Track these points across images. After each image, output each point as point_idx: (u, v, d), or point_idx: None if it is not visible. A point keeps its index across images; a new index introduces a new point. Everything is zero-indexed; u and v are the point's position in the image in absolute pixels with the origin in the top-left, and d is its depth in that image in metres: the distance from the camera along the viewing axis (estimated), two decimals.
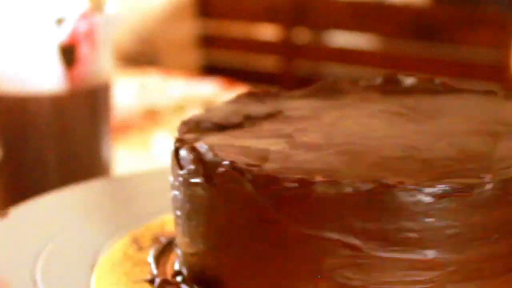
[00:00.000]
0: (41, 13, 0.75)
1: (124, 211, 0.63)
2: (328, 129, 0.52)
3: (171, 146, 0.52)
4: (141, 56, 2.00)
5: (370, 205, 0.44)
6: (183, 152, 0.49)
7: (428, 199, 0.44)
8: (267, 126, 0.53)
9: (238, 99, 0.59)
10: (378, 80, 0.61)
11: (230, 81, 1.27)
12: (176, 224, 0.53)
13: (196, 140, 0.50)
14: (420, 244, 0.44)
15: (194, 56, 2.11)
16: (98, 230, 0.60)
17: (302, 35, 2.03)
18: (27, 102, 0.76)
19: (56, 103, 0.76)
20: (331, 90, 0.60)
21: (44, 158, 0.77)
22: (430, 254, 0.44)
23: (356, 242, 0.44)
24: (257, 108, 0.57)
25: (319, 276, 0.45)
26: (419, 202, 0.43)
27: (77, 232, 0.60)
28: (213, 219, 0.48)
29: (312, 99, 0.59)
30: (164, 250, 0.57)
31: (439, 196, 0.44)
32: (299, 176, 0.44)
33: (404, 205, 0.44)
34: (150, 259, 0.55)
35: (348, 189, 0.44)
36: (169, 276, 0.53)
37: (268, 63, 2.09)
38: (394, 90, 0.60)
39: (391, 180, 0.43)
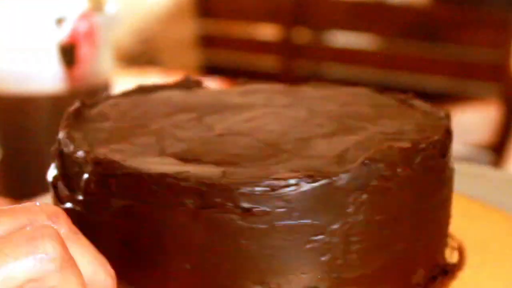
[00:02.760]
0: (41, 13, 0.75)
1: None
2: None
3: None
4: (141, 56, 2.00)
5: None
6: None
7: None
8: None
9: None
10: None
11: (230, 81, 1.27)
12: None
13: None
14: None
15: (194, 56, 2.11)
16: None
17: (302, 35, 2.03)
18: (27, 102, 0.76)
19: (56, 103, 0.76)
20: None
21: (44, 157, 0.77)
22: None
23: None
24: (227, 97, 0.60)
25: None
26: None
27: None
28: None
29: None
30: None
31: None
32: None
33: None
34: None
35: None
36: None
37: (268, 63, 2.09)
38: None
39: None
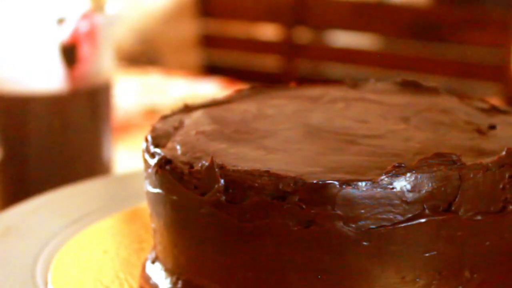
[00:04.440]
0: (42, 13, 0.75)
1: (124, 209, 0.63)
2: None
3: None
4: (142, 56, 2.01)
5: None
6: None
7: None
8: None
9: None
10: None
11: (230, 81, 1.28)
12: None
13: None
14: None
15: (194, 56, 2.12)
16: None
17: (302, 35, 2.03)
18: (28, 102, 0.76)
19: (57, 103, 0.76)
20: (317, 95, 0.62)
21: (45, 157, 0.77)
22: None
23: None
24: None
25: None
26: None
27: (78, 230, 0.60)
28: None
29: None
30: None
31: None
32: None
33: None
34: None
35: None
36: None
37: (268, 62, 2.09)
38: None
39: None
